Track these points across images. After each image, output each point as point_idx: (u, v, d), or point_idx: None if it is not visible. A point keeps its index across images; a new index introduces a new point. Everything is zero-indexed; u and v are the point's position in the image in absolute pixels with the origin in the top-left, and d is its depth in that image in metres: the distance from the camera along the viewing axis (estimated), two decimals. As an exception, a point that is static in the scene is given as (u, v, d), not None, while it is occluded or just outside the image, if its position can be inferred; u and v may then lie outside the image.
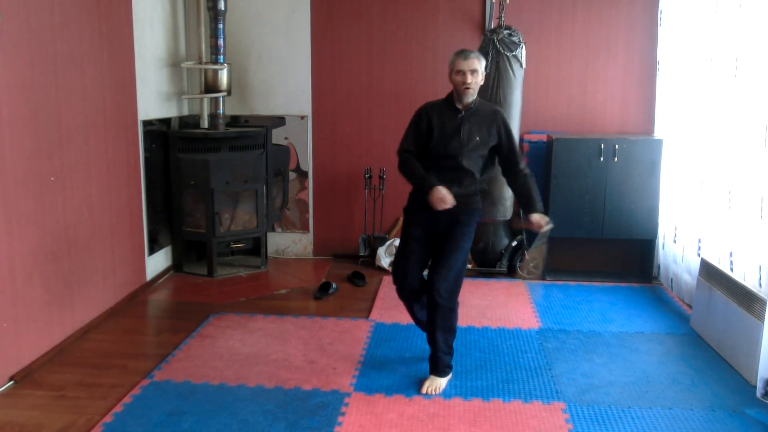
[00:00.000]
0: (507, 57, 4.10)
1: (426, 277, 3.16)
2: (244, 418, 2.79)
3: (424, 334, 3.75)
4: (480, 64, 3.02)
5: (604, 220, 4.68)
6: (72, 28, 3.53)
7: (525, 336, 3.75)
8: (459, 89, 3.02)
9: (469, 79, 2.98)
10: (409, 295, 3.21)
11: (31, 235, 3.21)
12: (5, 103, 3.00)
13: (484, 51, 3.97)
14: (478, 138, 3.05)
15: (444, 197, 2.92)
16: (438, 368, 3.14)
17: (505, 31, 4.44)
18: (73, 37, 3.54)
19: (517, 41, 4.42)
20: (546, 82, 4.98)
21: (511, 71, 4.20)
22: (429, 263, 3.17)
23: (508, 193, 4.24)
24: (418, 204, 3.13)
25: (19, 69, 3.10)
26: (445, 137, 3.06)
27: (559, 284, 4.72)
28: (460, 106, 3.07)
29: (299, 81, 5.17)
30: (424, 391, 3.06)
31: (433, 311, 3.08)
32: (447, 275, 3.04)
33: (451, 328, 3.14)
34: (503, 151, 3.12)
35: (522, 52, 4.44)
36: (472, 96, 3.03)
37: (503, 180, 3.76)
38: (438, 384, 3.10)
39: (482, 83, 3.09)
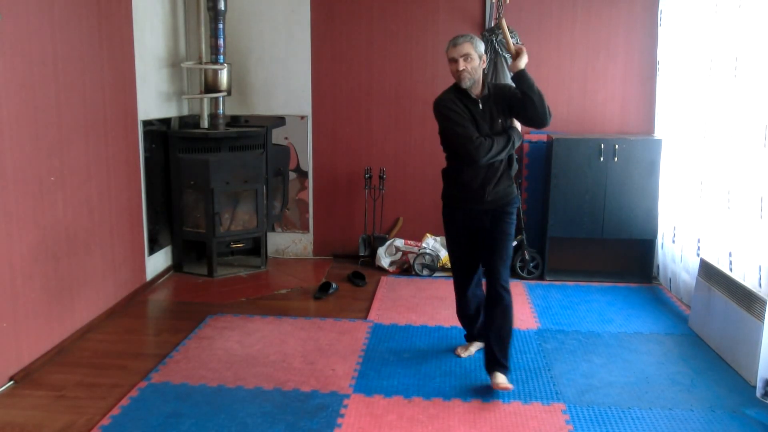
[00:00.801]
0: (504, 58, 4.08)
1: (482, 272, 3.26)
2: (243, 420, 2.79)
3: (422, 335, 3.76)
4: (473, 47, 2.99)
5: (604, 220, 4.68)
6: (72, 28, 3.53)
7: (524, 336, 3.75)
8: (455, 77, 3.03)
9: (462, 65, 2.96)
10: (469, 295, 3.31)
11: (30, 235, 3.21)
12: (5, 103, 3.00)
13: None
14: (500, 120, 3.05)
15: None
16: (503, 363, 3.07)
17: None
18: (73, 37, 3.54)
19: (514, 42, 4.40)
20: (546, 82, 4.98)
21: (507, 71, 4.19)
22: (481, 255, 3.23)
23: None
24: (454, 204, 3.20)
25: (19, 69, 3.10)
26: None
27: (557, 284, 4.72)
28: (474, 96, 3.05)
29: (299, 81, 5.17)
30: (502, 386, 3.00)
31: (496, 305, 3.08)
32: (505, 265, 3.11)
33: (511, 323, 3.12)
34: (517, 101, 3.01)
35: None
36: (470, 80, 3.00)
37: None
38: (507, 379, 3.06)
39: (485, 65, 3.06)
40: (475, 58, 2.99)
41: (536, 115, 2.95)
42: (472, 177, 3.07)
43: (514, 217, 3.17)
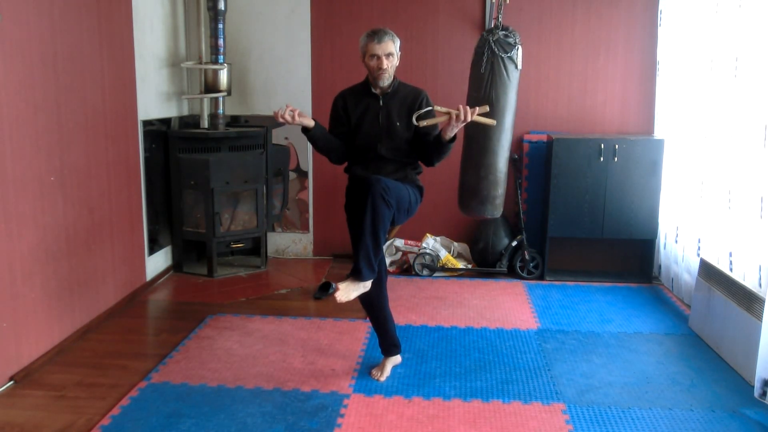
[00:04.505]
0: (501, 58, 4.03)
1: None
2: (243, 420, 2.79)
3: (422, 335, 3.76)
4: (395, 46, 2.94)
5: (604, 220, 4.68)
6: (72, 28, 3.53)
7: (524, 337, 3.75)
8: (374, 74, 2.94)
9: (385, 63, 2.90)
10: None
11: (30, 235, 3.21)
12: (5, 103, 3.00)
13: (479, 52, 3.93)
14: (398, 123, 2.94)
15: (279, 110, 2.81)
16: (356, 267, 2.74)
17: (501, 32, 4.40)
18: (73, 37, 3.54)
19: (512, 42, 4.38)
20: (546, 82, 4.98)
21: (505, 73, 4.17)
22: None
23: (498, 192, 4.04)
24: (354, 196, 3.09)
25: (19, 69, 3.10)
26: (363, 124, 2.97)
27: (557, 284, 4.72)
28: (377, 91, 2.99)
29: (299, 81, 5.17)
30: (338, 292, 2.70)
31: (364, 211, 2.72)
32: (385, 178, 2.83)
33: (371, 226, 2.72)
34: (420, 134, 2.96)
35: (518, 54, 4.41)
36: (388, 80, 2.96)
37: (492, 178, 3.67)
38: (349, 288, 2.73)
39: (398, 64, 3.00)
40: (395, 57, 2.95)
41: (429, 160, 2.95)
42: (361, 170, 3.01)
43: (412, 187, 2.99)
